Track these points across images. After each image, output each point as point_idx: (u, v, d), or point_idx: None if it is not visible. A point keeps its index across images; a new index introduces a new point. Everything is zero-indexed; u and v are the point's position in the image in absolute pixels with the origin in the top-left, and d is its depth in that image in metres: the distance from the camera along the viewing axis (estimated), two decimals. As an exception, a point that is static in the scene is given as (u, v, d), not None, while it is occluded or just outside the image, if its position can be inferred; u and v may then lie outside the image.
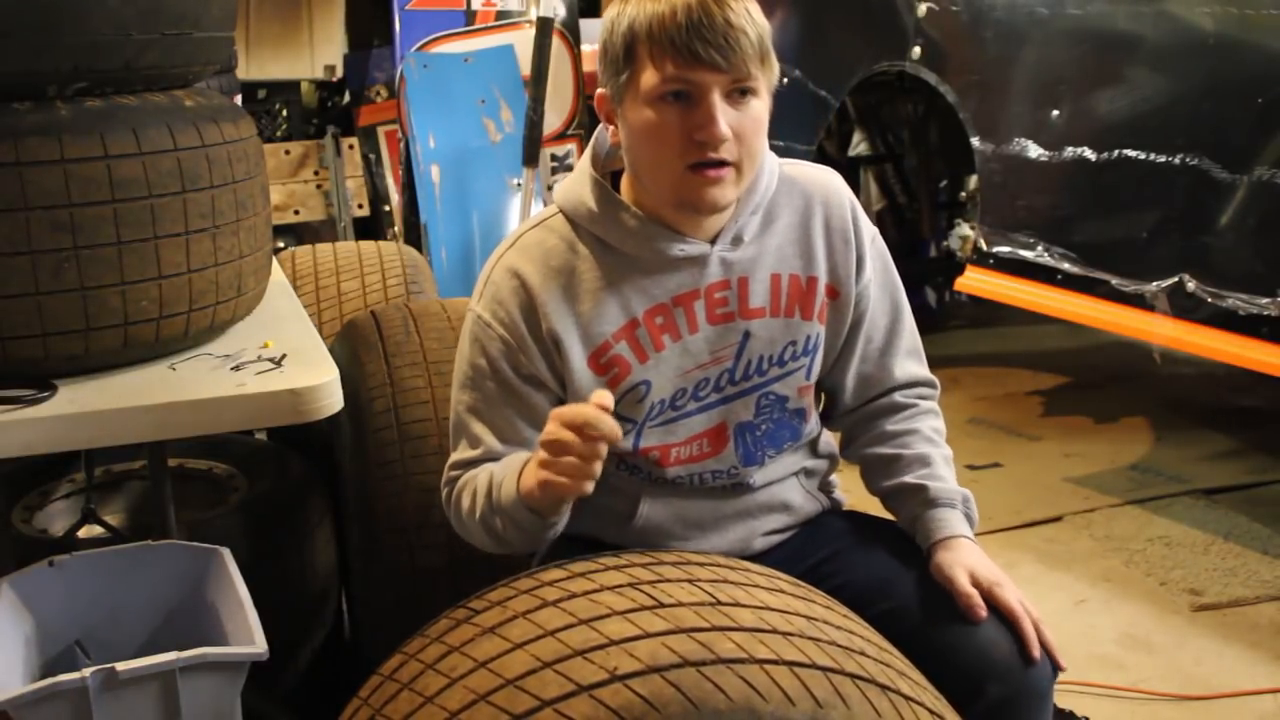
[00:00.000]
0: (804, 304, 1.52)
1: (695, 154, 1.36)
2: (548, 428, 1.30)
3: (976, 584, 1.44)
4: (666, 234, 1.45)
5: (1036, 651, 1.39)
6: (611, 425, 1.26)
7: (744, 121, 1.36)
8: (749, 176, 1.42)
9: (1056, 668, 1.42)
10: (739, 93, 1.36)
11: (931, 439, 1.59)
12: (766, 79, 1.39)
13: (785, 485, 1.59)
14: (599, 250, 1.47)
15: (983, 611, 1.40)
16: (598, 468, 1.29)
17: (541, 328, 1.46)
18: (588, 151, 1.52)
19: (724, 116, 1.34)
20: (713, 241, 1.47)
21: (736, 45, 1.32)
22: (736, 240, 1.48)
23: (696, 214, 1.43)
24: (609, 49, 1.40)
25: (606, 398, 1.27)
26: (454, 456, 1.54)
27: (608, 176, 1.50)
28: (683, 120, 1.35)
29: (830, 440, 1.68)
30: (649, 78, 1.36)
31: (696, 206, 1.41)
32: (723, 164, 1.36)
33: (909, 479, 1.55)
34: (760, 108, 1.38)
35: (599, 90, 1.45)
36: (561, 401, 1.49)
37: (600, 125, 1.51)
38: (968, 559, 1.47)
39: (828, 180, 1.56)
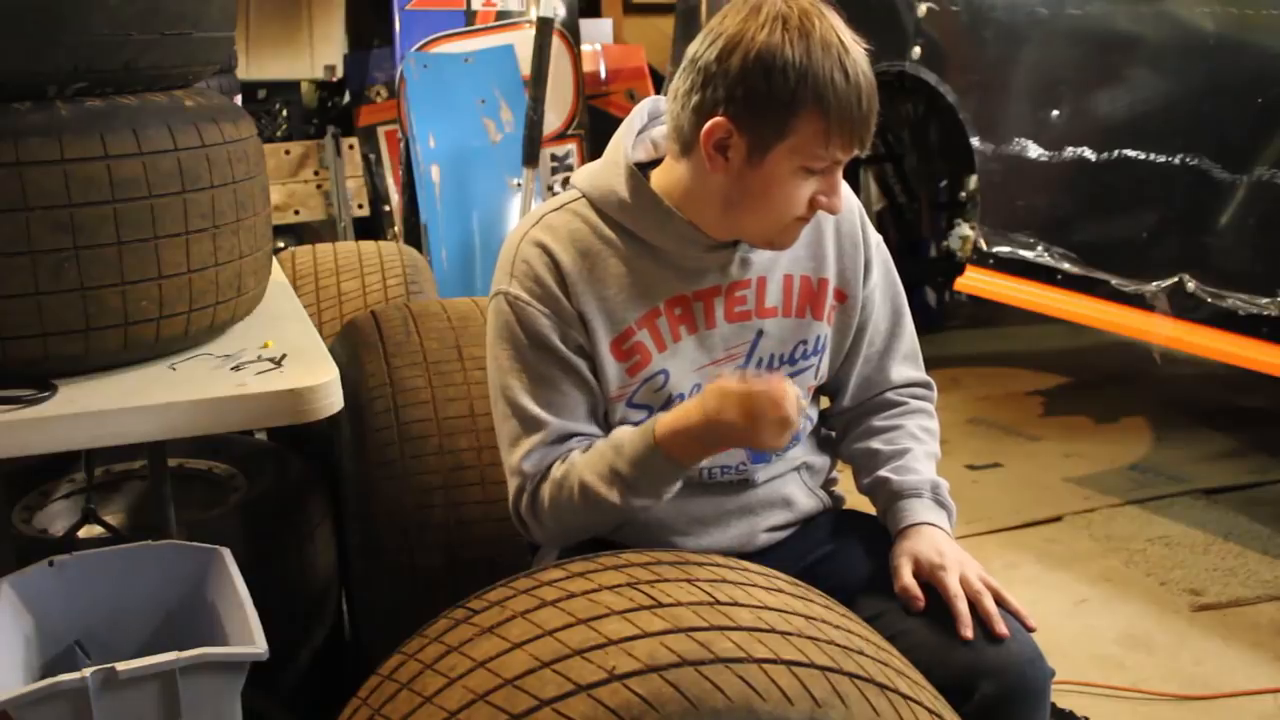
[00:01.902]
0: (814, 305, 1.55)
1: (809, 213, 1.43)
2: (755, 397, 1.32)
3: (918, 571, 1.45)
4: (697, 234, 1.46)
5: (1000, 628, 1.38)
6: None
7: None
8: None
9: (1027, 628, 1.41)
10: None
11: (915, 435, 1.61)
12: None
13: (786, 480, 1.60)
14: (625, 239, 1.48)
15: (917, 604, 1.42)
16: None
17: (573, 303, 1.46)
18: (619, 141, 1.51)
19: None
20: (736, 243, 1.49)
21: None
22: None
23: (768, 249, 1.49)
24: (762, 87, 1.34)
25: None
26: (515, 454, 1.47)
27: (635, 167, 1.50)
28: (813, 186, 1.41)
29: (829, 437, 1.69)
30: (806, 145, 1.37)
31: (781, 246, 1.48)
32: None
33: (882, 472, 1.58)
34: None
35: (717, 118, 1.37)
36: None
37: (633, 114, 1.52)
38: (915, 546, 1.48)
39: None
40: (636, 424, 1.47)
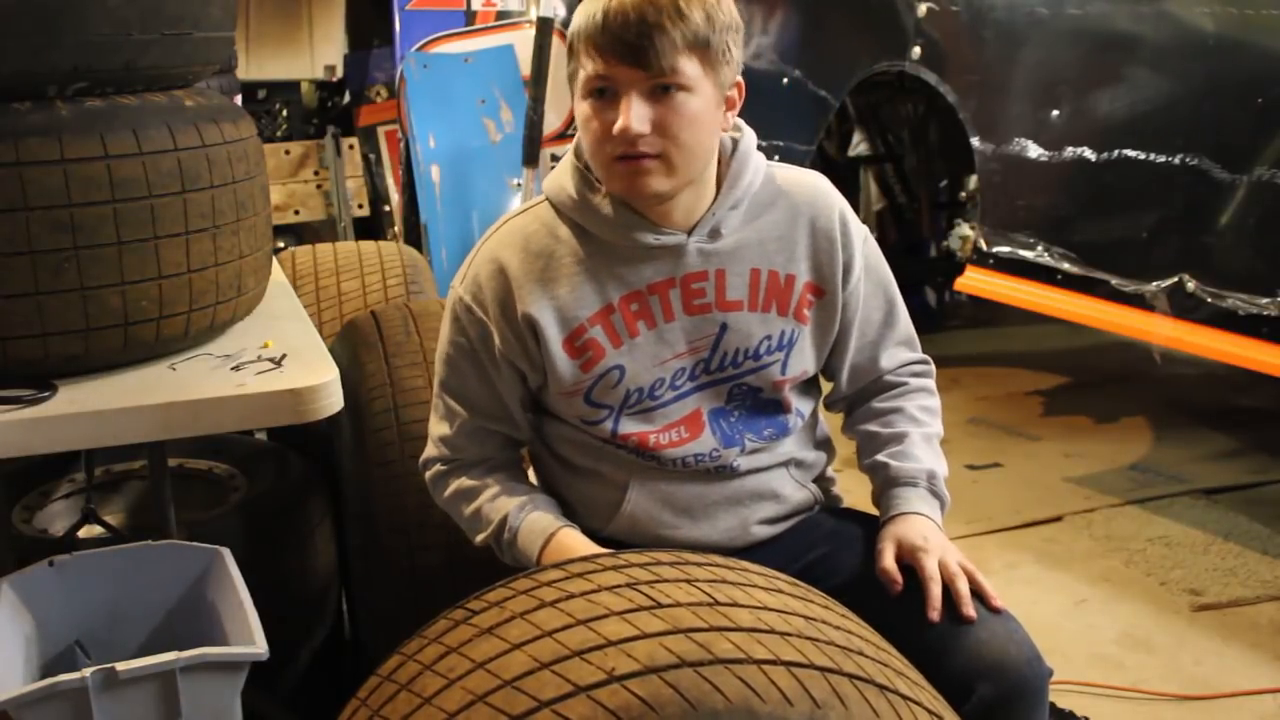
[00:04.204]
0: (781, 300, 1.54)
1: (615, 147, 1.42)
2: None
3: (900, 555, 1.47)
4: (642, 223, 1.49)
5: (968, 610, 1.40)
6: None
7: (667, 116, 1.40)
8: (684, 168, 1.45)
9: (991, 608, 1.42)
10: (661, 89, 1.40)
11: (915, 417, 1.63)
12: (708, 73, 1.42)
13: (773, 474, 1.60)
14: (579, 236, 1.52)
15: (895, 587, 1.45)
16: None
17: (517, 312, 1.51)
18: (573, 142, 1.56)
19: (640, 112, 1.39)
20: (689, 233, 1.50)
21: (651, 45, 1.37)
22: (714, 234, 1.52)
23: (633, 201, 1.48)
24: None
25: None
26: (434, 429, 1.64)
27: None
28: (605, 115, 1.41)
29: (826, 432, 1.70)
30: (582, 74, 1.43)
31: (628, 194, 1.46)
32: (643, 156, 1.41)
33: (880, 456, 1.60)
34: (691, 102, 1.41)
35: None
36: (540, 384, 1.56)
37: None
38: (900, 530, 1.51)
39: (816, 184, 1.60)
40: (595, 423, 1.53)
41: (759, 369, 1.55)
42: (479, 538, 1.59)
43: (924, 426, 1.62)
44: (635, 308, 1.51)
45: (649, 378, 1.52)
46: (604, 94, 1.41)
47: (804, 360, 1.58)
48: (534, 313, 1.50)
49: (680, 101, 1.40)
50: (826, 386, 1.70)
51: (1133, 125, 3.09)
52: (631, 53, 1.37)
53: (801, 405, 1.62)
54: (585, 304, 1.50)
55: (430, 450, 1.64)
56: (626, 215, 1.48)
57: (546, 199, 1.56)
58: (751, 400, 1.57)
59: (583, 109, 1.44)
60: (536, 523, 1.54)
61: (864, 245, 1.60)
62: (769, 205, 1.55)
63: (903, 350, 1.67)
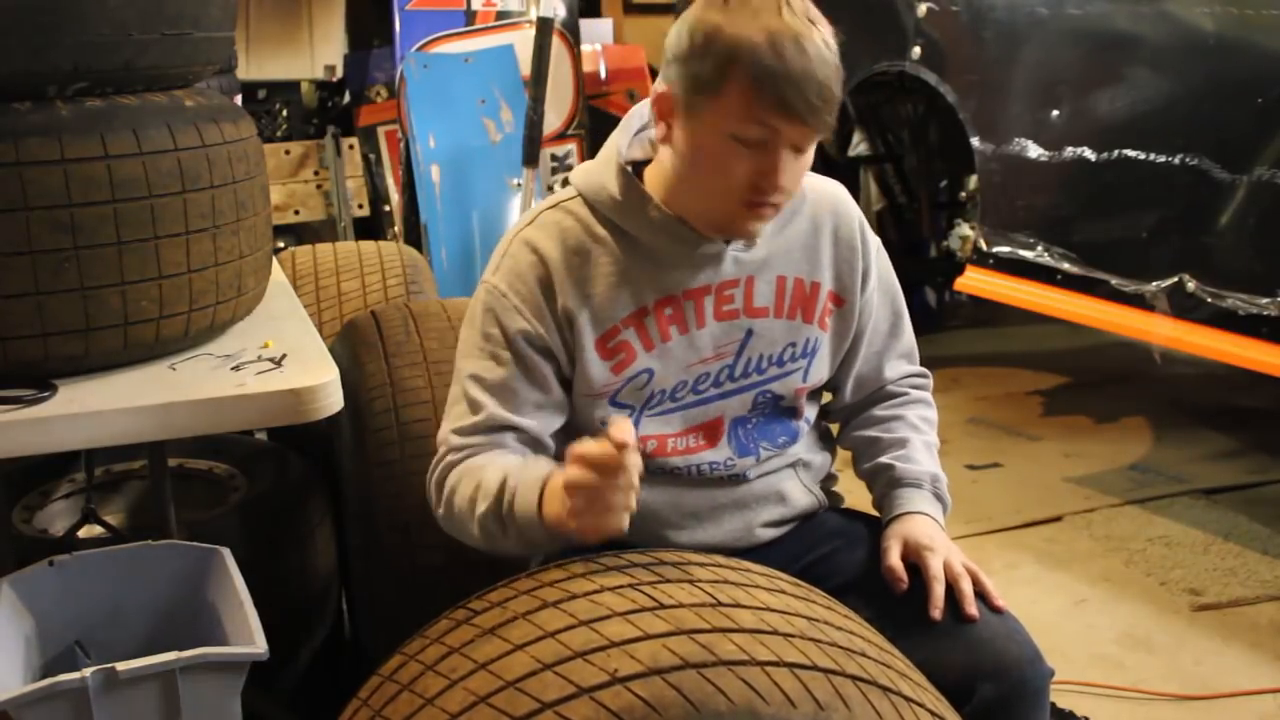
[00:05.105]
0: (805, 308, 1.55)
1: (751, 195, 1.39)
2: (570, 471, 1.24)
3: (906, 553, 1.48)
4: (687, 232, 1.47)
5: (971, 609, 1.41)
6: (635, 460, 1.23)
7: (798, 169, 1.41)
8: (784, 209, 1.47)
9: (993, 608, 1.43)
10: (805, 144, 1.39)
11: (915, 425, 1.64)
12: None
13: (780, 476, 1.60)
14: (617, 237, 1.49)
15: (900, 585, 1.45)
16: (632, 499, 1.26)
17: (557, 303, 1.47)
18: (614, 139, 1.51)
19: (788, 167, 1.38)
20: (728, 241, 1.49)
21: (826, 107, 1.35)
22: (749, 242, 1.51)
23: (731, 238, 1.47)
24: (691, 55, 1.37)
25: (627, 429, 1.21)
26: (449, 425, 1.50)
27: (629, 165, 1.50)
28: (750, 161, 1.37)
29: (826, 428, 1.71)
30: (734, 109, 1.34)
31: (735, 235, 1.46)
32: (771, 204, 1.41)
33: (883, 459, 1.61)
34: (811, 156, 1.42)
35: (662, 87, 1.41)
36: (569, 380, 1.50)
37: (631, 113, 1.52)
38: (906, 529, 1.51)
39: (837, 193, 1.60)
40: None
41: (782, 376, 1.55)
42: (479, 516, 1.43)
43: (924, 435, 1.64)
44: (669, 312, 1.49)
45: (673, 380, 1.51)
46: (755, 140, 1.36)
47: (823, 368, 1.59)
48: (572, 308, 1.47)
49: (809, 157, 1.41)
50: (826, 396, 1.70)
51: (1133, 125, 3.09)
52: (813, 114, 1.33)
53: (809, 411, 1.63)
54: (620, 305, 1.48)
55: (442, 450, 1.52)
56: (674, 224, 1.46)
57: (581, 196, 1.51)
58: (771, 408, 1.57)
59: (716, 145, 1.37)
60: (537, 469, 1.41)
61: (878, 255, 1.62)
62: (795, 213, 1.54)
63: (904, 363, 1.69)
